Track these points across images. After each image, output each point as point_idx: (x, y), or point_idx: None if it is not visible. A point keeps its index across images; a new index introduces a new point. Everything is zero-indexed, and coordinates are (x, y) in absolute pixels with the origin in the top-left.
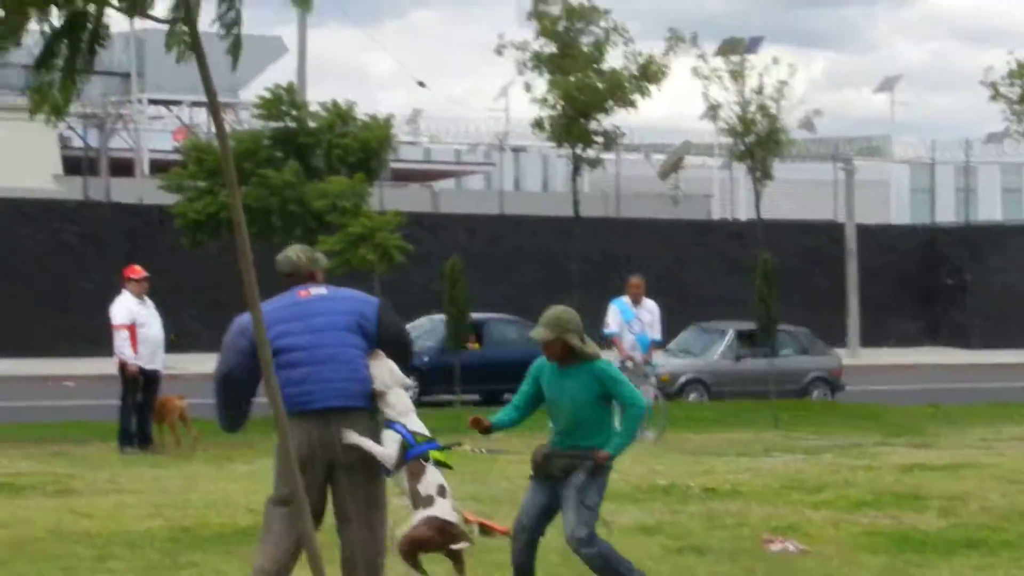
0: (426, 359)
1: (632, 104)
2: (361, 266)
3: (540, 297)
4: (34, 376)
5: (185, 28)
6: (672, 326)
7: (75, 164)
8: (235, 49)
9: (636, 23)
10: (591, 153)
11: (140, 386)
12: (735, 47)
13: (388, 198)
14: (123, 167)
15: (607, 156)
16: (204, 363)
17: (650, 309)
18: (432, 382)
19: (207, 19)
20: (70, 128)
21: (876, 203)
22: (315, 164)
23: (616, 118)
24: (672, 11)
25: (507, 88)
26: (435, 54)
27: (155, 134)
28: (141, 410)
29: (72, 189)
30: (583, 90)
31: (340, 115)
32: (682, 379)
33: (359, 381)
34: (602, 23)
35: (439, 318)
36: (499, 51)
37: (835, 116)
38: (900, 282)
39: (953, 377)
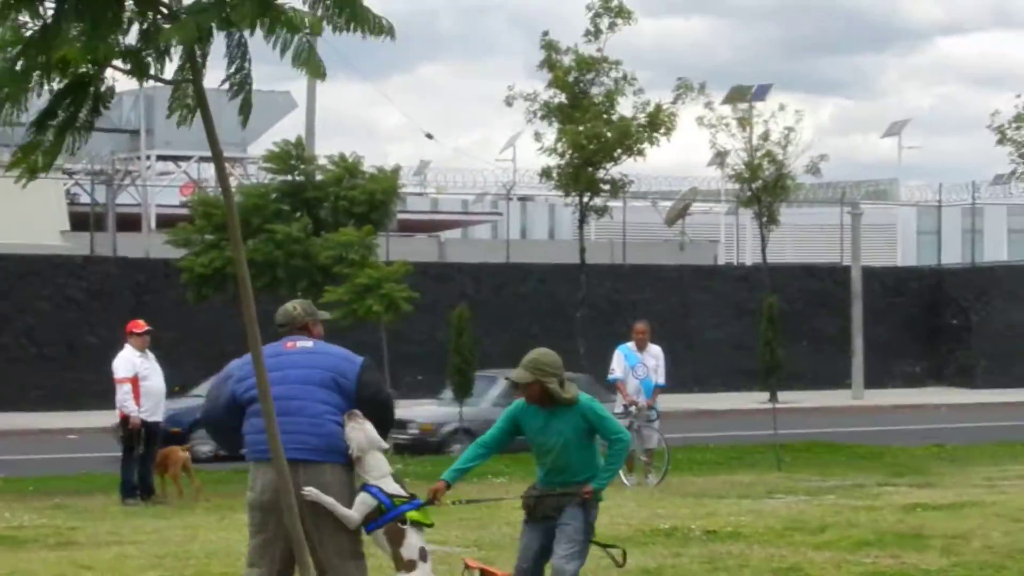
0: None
1: (641, 153)
2: (367, 317)
3: (546, 344)
4: (38, 430)
5: (191, 89)
6: (678, 371)
7: (83, 220)
8: (245, 109)
9: (645, 72)
10: (598, 201)
11: (142, 438)
12: (742, 94)
13: (395, 249)
14: (130, 222)
15: (614, 204)
16: None
17: (655, 354)
18: None
19: (216, 78)
20: (78, 185)
21: (883, 246)
22: (323, 217)
23: (624, 166)
24: (681, 59)
25: (515, 139)
26: (443, 107)
27: (162, 189)
28: (143, 461)
29: (79, 245)
30: (592, 139)
31: (348, 168)
32: (447, 428)
33: (323, 436)
34: (612, 73)
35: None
36: (509, 102)
37: (843, 161)
38: (905, 323)
39: (958, 417)
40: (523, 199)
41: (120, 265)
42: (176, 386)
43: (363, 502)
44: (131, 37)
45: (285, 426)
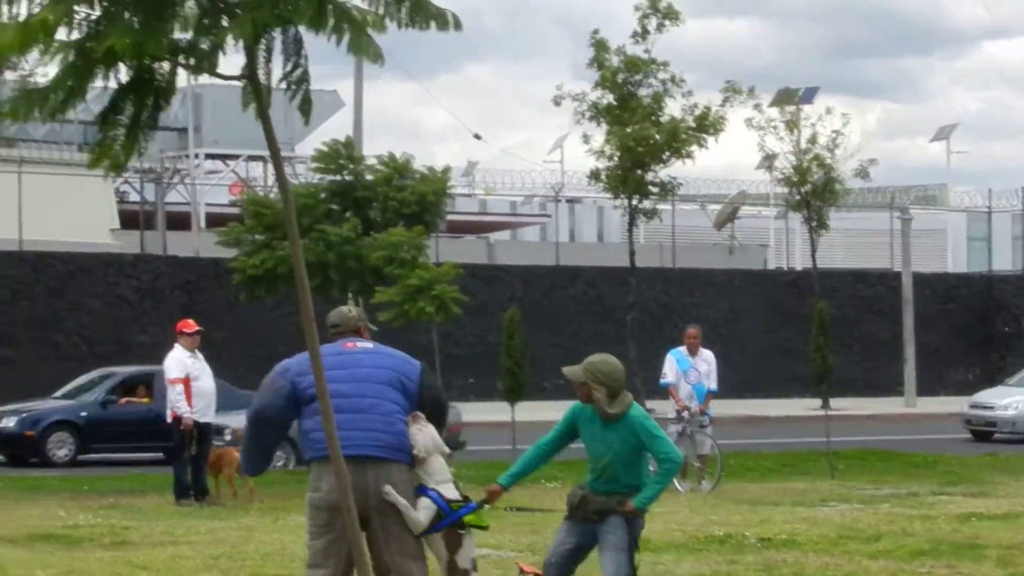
0: (84, 414)
1: (689, 155)
2: (419, 318)
3: (596, 348)
4: None
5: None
6: (728, 376)
7: (132, 218)
8: (305, 106)
9: (690, 74)
10: (647, 204)
11: (194, 438)
12: (790, 97)
13: (444, 250)
14: (179, 221)
15: (663, 207)
16: None
17: (707, 359)
18: (91, 438)
19: (273, 76)
20: (127, 183)
21: (933, 252)
22: (373, 217)
23: (672, 168)
24: (727, 62)
25: (562, 140)
26: (490, 107)
27: (211, 188)
28: (195, 462)
29: (129, 243)
30: (640, 141)
31: (397, 168)
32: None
33: (395, 435)
34: (660, 75)
35: (105, 372)
36: (557, 102)
37: (890, 165)
38: (957, 330)
39: None
40: (571, 201)
41: (170, 264)
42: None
43: (427, 507)
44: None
45: (358, 423)
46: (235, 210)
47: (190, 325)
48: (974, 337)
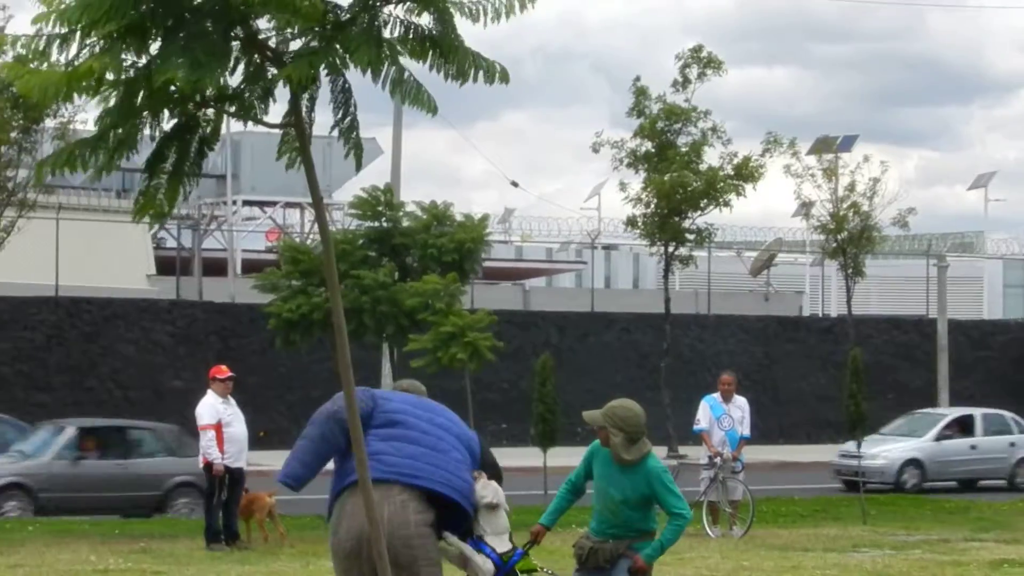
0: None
1: (727, 204)
2: (451, 365)
3: (630, 394)
4: None
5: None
6: (762, 422)
7: (169, 264)
8: (358, 154)
9: (729, 122)
10: (683, 251)
11: (225, 484)
12: (828, 145)
13: (479, 296)
14: (216, 267)
15: (699, 253)
16: None
17: (740, 406)
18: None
19: (319, 124)
20: (164, 229)
21: (969, 299)
22: (409, 263)
23: (708, 215)
24: (766, 110)
25: (599, 187)
26: (527, 154)
27: (248, 234)
28: (227, 507)
29: (165, 289)
30: (678, 188)
31: (436, 216)
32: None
33: (464, 480)
34: (699, 124)
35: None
36: (596, 148)
37: (928, 213)
38: (992, 377)
39: None
40: (607, 248)
41: (206, 309)
42: (261, 431)
43: (484, 560)
44: (235, 80)
45: (430, 458)
46: (271, 256)
47: (223, 371)
48: (1009, 384)
